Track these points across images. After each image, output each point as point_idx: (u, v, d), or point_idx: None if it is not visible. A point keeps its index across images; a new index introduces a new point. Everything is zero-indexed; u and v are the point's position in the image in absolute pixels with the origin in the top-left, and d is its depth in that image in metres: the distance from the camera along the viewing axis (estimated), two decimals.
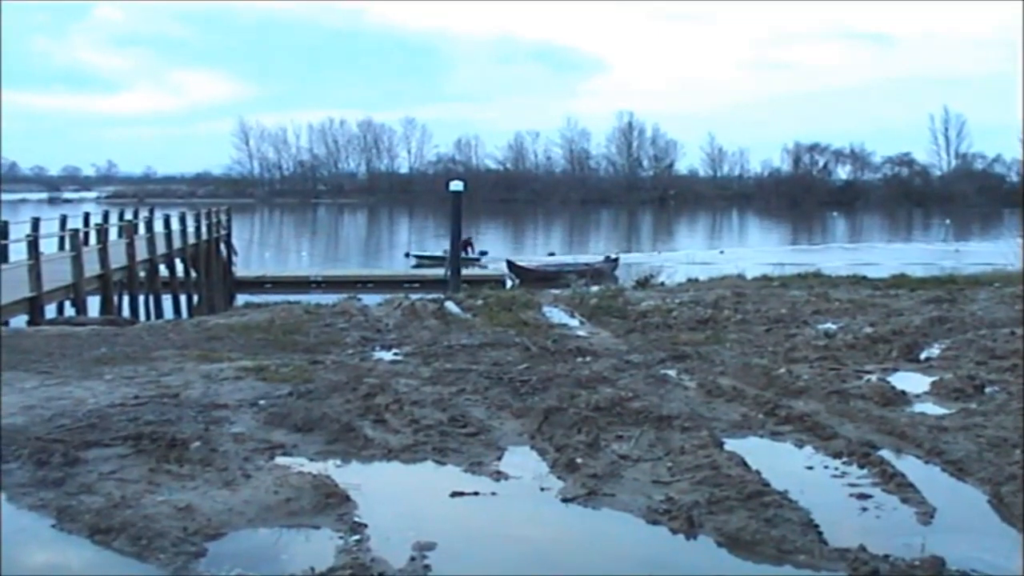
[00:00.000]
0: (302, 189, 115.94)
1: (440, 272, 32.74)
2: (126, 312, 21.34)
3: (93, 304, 19.45)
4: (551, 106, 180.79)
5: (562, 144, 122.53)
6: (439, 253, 43.07)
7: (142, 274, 23.59)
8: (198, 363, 8.79)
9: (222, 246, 33.56)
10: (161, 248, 25.91)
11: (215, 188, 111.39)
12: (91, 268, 19.56)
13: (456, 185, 26.78)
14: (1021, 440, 6.14)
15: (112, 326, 12.79)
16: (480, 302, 14.00)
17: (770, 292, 14.93)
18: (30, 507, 4.96)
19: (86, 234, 22.94)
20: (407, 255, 44.71)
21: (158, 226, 27.02)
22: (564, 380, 8.06)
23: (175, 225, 28.33)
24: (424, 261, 41.76)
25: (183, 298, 27.19)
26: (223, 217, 34.36)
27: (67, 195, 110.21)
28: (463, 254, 43.03)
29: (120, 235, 24.45)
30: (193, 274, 28.95)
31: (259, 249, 49.45)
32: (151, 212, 29.97)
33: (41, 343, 10.17)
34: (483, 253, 43.59)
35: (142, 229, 26.51)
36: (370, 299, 14.87)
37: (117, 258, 21.53)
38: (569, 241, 63.00)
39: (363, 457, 5.99)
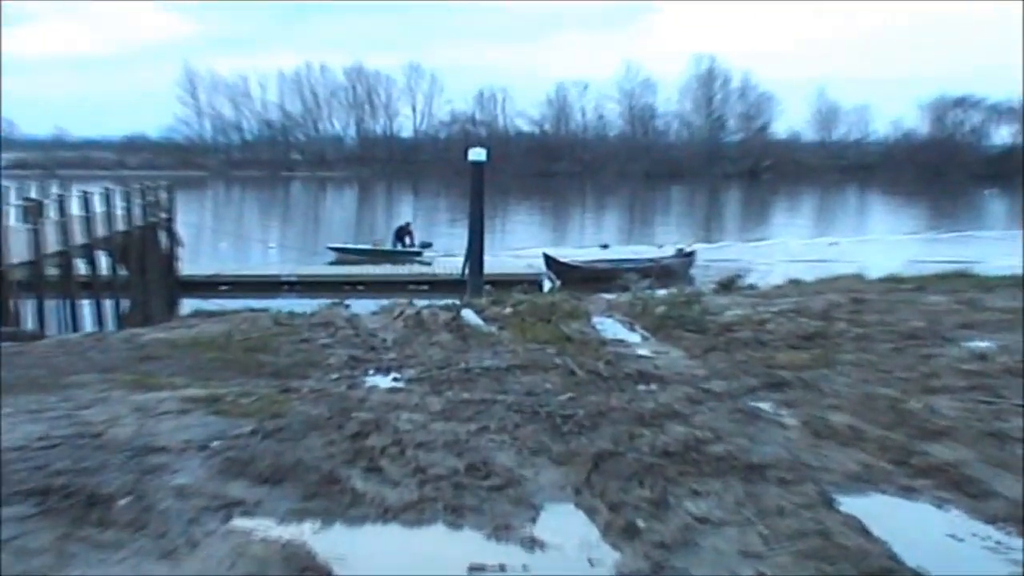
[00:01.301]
0: (270, 158, 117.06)
1: (452, 270, 32.87)
2: (30, 323, 21.52)
3: None
4: (605, 48, 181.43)
5: (620, 99, 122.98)
6: (366, 246, 44.97)
7: (52, 271, 23.80)
8: (129, 391, 8.85)
9: (162, 234, 33.88)
10: (79, 237, 26.12)
11: (152, 156, 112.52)
12: None
13: (477, 154, 26.86)
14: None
15: (11, 341, 12.91)
16: (509, 310, 14.01)
17: (900, 298, 14.82)
18: None
19: None
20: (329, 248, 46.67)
21: (74, 207, 27.21)
22: (621, 415, 8.05)
23: (97, 206, 28.54)
24: (347, 256, 43.55)
25: (108, 304, 27.45)
26: (163, 195, 34.70)
27: None
28: (397, 246, 45.16)
29: (25, 219, 24.56)
30: (122, 272, 29.19)
31: (212, 238, 49.91)
32: (64, 188, 30.29)
33: None
34: (426, 245, 45.16)
35: (52, 211, 26.68)
36: (362, 305, 14.95)
37: (18, 250, 21.71)
38: (628, 228, 63.11)
39: (351, 518, 6.00)
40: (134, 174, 65.70)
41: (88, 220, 27.25)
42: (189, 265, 36.83)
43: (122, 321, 26.27)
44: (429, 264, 41.42)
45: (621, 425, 7.74)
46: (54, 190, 31.26)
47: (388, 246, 45.20)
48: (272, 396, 8.70)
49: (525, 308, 14.18)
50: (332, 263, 42.26)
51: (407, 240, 45.55)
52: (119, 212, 29.86)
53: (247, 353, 10.92)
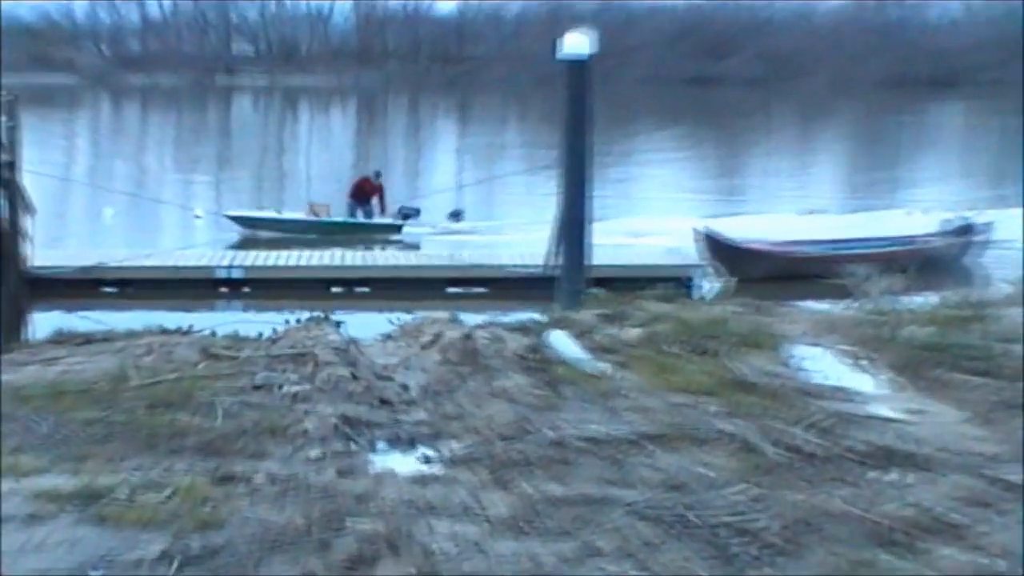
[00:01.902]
0: (195, 53, 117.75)
1: (529, 258, 32.86)
2: None
3: None
4: None
5: None
6: (293, 216, 45.15)
7: None
8: None
9: None
10: None
11: None
12: None
13: (575, 45, 26.79)
14: None
15: None
16: (634, 332, 14.05)
17: None
18: None
19: None
20: (198, 216, 46.96)
21: None
22: (844, 528, 8.06)
23: None
24: (258, 228, 44.52)
25: None
26: None
27: None
28: (357, 215, 44.95)
29: None
30: None
31: (90, 200, 50.19)
32: None
33: None
34: (408, 214, 44.77)
35: None
36: (364, 322, 14.97)
37: None
38: (854, 181, 62.61)
39: None
40: None
41: None
42: (47, 250, 37.04)
43: None
44: (416, 248, 41.17)
45: (844, 547, 7.73)
46: None
47: (341, 215, 44.71)
48: (199, 490, 8.76)
49: (665, 329, 14.19)
50: (234, 246, 42.09)
51: (373, 204, 45.34)
52: None
53: (153, 411, 11.00)
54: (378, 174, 47.06)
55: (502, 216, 45.97)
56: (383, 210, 45.23)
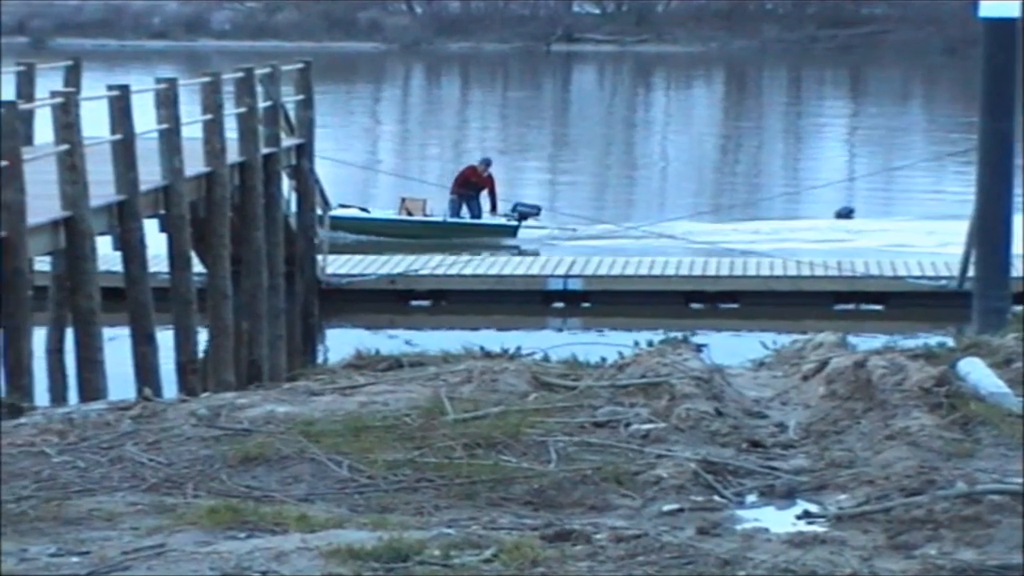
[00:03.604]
0: (522, 14, 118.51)
1: (936, 270, 32.56)
2: None
3: None
4: None
5: None
6: (375, 214, 45.42)
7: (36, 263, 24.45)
8: (207, 535, 9.06)
9: (286, 185, 34.31)
10: (97, 188, 26.45)
11: (265, 9, 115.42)
12: None
13: (999, 5, 26.22)
14: None
15: None
16: None
17: None
18: None
19: None
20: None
21: (87, 123, 27.50)
22: None
23: (140, 121, 28.70)
24: (338, 229, 43.80)
25: (161, 335, 27.71)
26: (287, 96, 35.03)
27: None
28: (461, 213, 44.02)
29: None
30: (196, 270, 29.49)
31: (392, 189, 50.71)
32: (74, 81, 30.97)
33: None
34: (528, 213, 44.61)
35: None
36: (731, 345, 14.90)
37: None
38: None
39: None
40: (222, 47, 67.44)
41: (122, 151, 27.76)
42: (343, 255, 37.35)
43: (191, 372, 26.79)
44: (535, 255, 40.46)
45: None
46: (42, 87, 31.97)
47: (439, 213, 45.24)
48: (528, 549, 8.77)
49: None
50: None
51: (481, 200, 45.39)
52: (190, 138, 30.24)
53: (473, 452, 11.13)
54: (487, 163, 46.92)
55: (898, 213, 45.44)
56: (494, 207, 45.12)
